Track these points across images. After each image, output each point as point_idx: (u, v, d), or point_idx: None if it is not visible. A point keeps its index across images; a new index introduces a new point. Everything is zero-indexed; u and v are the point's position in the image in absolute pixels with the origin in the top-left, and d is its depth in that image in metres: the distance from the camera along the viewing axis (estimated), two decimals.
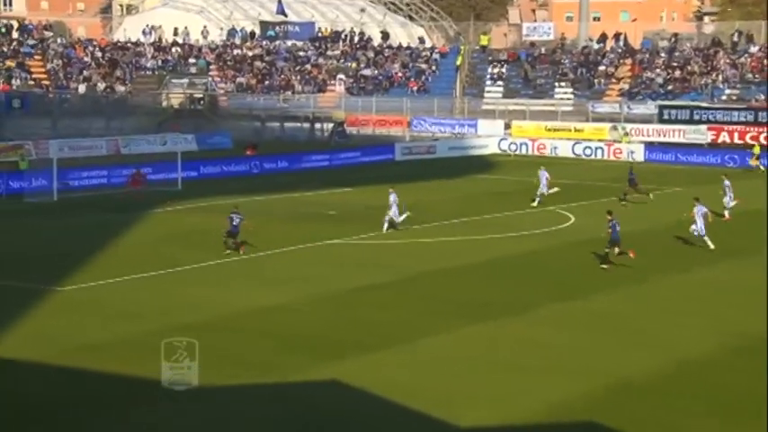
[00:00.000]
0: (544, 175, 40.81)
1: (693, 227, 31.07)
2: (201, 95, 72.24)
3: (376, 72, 77.87)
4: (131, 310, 23.32)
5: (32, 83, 69.64)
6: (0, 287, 25.45)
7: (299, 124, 71.87)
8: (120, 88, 72.89)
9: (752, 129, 58.91)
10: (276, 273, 27.62)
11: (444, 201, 41.93)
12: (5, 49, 72.52)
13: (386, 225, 33.19)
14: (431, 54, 79.45)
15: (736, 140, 58.96)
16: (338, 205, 39.96)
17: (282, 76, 77.77)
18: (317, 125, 72.19)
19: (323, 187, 44.46)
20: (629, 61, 72.17)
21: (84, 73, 73.11)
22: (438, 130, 68.59)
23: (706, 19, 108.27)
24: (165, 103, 72.03)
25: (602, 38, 76.63)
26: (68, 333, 21.44)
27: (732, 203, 36.89)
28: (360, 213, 37.89)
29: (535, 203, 39.89)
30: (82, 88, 71.24)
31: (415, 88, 74.76)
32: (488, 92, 74.13)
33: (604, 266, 28.18)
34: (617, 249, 28.04)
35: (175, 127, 64.64)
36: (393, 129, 69.87)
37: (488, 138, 65.33)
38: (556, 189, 40.53)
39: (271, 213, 37.03)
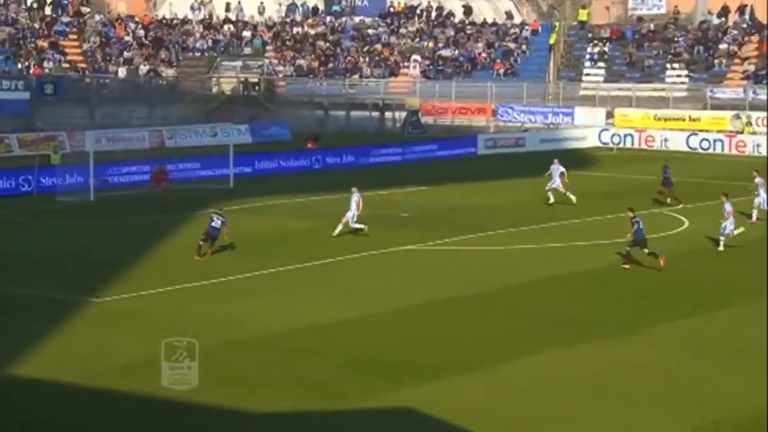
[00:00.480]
0: (558, 170, 40.76)
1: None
2: (257, 80, 72.96)
3: (456, 53, 77.70)
4: (177, 325, 23.38)
5: (67, 66, 71.08)
6: (30, 297, 25.88)
7: (366, 113, 72.27)
8: (166, 72, 73.99)
9: None
10: (342, 283, 27.71)
11: (534, 202, 41.64)
12: (37, 27, 74.04)
13: (339, 227, 32.95)
14: (520, 31, 78.99)
15: None
16: (412, 206, 40.05)
17: (349, 58, 78.12)
18: (388, 114, 72.47)
19: (395, 185, 44.51)
20: (755, 38, 70.78)
21: (125, 54, 74.43)
22: (528, 119, 68.38)
23: None
24: (215, 89, 73.01)
25: (724, 11, 75.10)
26: (105, 351, 21.64)
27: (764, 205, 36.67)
28: (437, 215, 37.91)
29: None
30: (122, 72, 72.56)
31: (502, 71, 74.47)
32: (587, 75, 73.52)
33: (626, 266, 29.23)
34: (646, 250, 29.08)
35: (227, 116, 65.18)
36: (475, 118, 69.87)
37: (587, 128, 65.03)
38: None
39: (334, 215, 37.07)
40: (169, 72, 74.23)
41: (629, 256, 29.39)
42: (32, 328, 23.00)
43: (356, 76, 76.40)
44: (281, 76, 76.67)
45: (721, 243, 32.15)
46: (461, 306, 25.46)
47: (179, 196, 41.83)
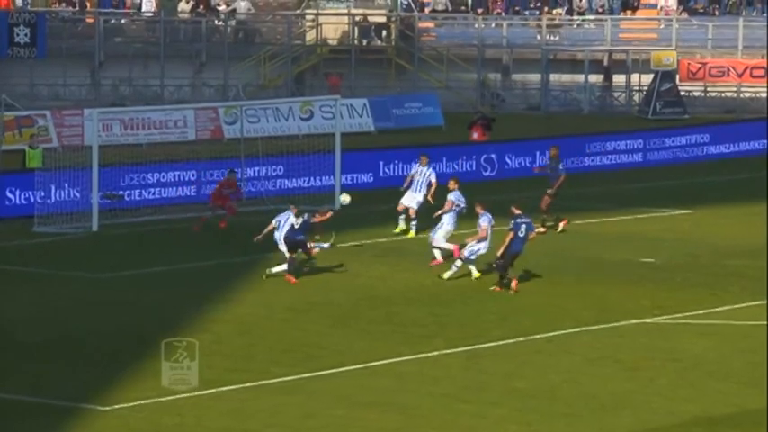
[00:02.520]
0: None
1: None
2: (384, 20, 73.34)
3: None
4: None
5: None
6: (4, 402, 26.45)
7: (580, 77, 72.30)
8: (225, 6, 74.89)
9: None
10: (516, 383, 27.81)
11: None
12: None
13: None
14: None
15: None
16: (664, 244, 40.26)
17: None
18: (619, 79, 72.14)
19: (630, 206, 44.19)
20: None
21: None
22: None
23: None
24: (311, 37, 73.51)
25: None
26: None
27: None
28: (707, 262, 38.14)
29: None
30: (148, 5, 73.70)
31: None
32: None
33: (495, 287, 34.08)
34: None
35: (333, 83, 65.83)
36: None
37: None
38: None
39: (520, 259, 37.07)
40: (233, 6, 75.12)
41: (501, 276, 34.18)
42: None
43: (561, 11, 76.21)
44: (426, 11, 76.94)
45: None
46: None
47: (244, 225, 42.27)
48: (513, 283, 34.30)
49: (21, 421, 24.00)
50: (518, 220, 34.83)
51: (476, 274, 35.81)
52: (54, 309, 33.70)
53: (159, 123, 50.05)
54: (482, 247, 35.24)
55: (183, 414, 25.04)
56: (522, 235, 34.70)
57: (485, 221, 35.28)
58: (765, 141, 58.75)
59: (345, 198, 41.15)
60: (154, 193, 46.54)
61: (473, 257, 35.54)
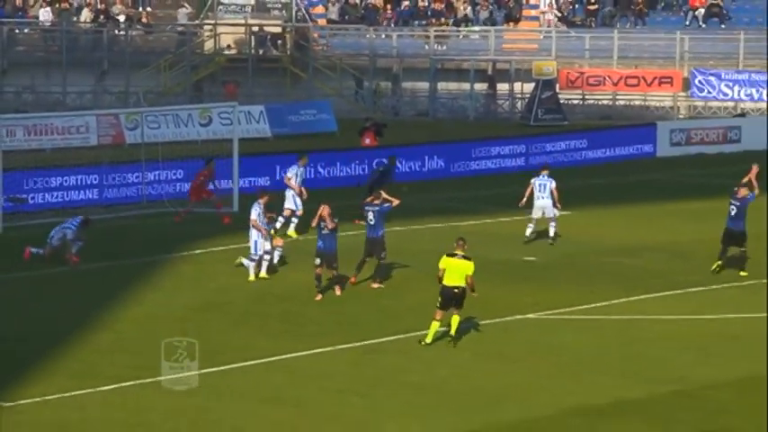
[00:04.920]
0: (546, 186, 41.28)
1: None
2: (280, 30, 73.24)
3: None
4: None
5: None
6: None
7: (466, 85, 72.40)
8: (125, 16, 74.53)
9: None
10: (427, 382, 27.67)
11: (758, 238, 41.25)
12: None
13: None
14: None
15: None
16: (542, 246, 40.37)
17: None
18: (503, 87, 72.40)
19: (512, 208, 44.32)
20: None
21: None
22: (747, 96, 68.23)
23: None
24: (209, 46, 73.30)
25: None
26: None
27: None
28: (585, 261, 38.33)
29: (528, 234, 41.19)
30: (45, 14, 73.16)
31: (701, 12, 74.03)
32: None
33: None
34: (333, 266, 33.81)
35: (230, 91, 65.66)
36: (653, 93, 70.27)
37: None
38: None
39: (405, 255, 37.03)
40: (128, 18, 74.77)
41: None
42: None
43: (448, 23, 76.45)
44: (320, 22, 76.91)
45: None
46: (623, 421, 25.38)
47: (145, 228, 42.26)
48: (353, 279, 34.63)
49: None
50: (366, 207, 35.16)
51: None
52: None
53: (62, 129, 49.70)
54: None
55: (86, 408, 24.91)
56: (372, 222, 34.78)
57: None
58: (646, 147, 59.35)
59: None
60: (57, 197, 45.98)
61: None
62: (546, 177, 40.88)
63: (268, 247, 35.50)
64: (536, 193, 40.51)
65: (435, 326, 29.36)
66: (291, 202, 41.40)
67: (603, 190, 47.49)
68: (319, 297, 33.54)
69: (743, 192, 36.98)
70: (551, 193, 40.41)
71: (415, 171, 52.65)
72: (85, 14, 73.68)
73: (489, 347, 29.76)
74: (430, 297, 31.69)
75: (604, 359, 29.34)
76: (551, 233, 40.25)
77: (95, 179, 46.92)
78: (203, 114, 54.64)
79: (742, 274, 36.55)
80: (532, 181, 40.85)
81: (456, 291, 29.11)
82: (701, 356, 29.36)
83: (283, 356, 29.09)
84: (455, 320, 29.26)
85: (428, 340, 29.37)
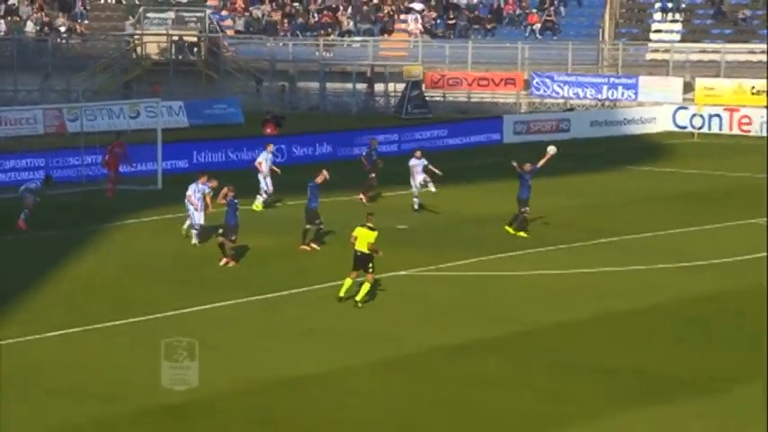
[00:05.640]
0: (419, 166, 41.33)
1: None
2: (195, 39, 72.84)
3: (474, 0, 77.81)
4: (83, 381, 23.42)
5: None
6: None
7: (349, 85, 72.29)
8: (66, 28, 73.77)
9: None
10: (318, 323, 27.83)
11: (581, 209, 41.85)
12: None
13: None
14: None
15: None
16: (412, 216, 40.32)
17: (323, 9, 78.11)
18: (379, 87, 72.45)
19: (388, 185, 44.30)
20: None
21: (10, 1, 74.26)
22: (574, 94, 68.64)
23: None
24: (136, 52, 72.73)
25: None
26: None
27: None
28: (448, 228, 38.15)
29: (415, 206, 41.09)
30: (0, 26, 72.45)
31: (538, 26, 74.51)
32: (657, 32, 73.70)
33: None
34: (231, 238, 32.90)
35: (154, 89, 65.16)
36: (501, 92, 70.45)
37: (656, 107, 65.33)
38: None
39: (300, 227, 36.87)
40: (70, 28, 73.97)
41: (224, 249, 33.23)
42: None
43: (334, 35, 76.36)
44: (228, 33, 76.50)
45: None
46: (483, 355, 25.53)
47: (86, 202, 41.77)
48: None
49: None
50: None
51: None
52: None
53: (14, 121, 49.15)
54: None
55: (33, 352, 24.86)
56: (309, 196, 34.63)
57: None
58: (494, 136, 59.57)
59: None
60: (10, 177, 45.39)
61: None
62: (420, 159, 41.01)
63: (201, 220, 34.83)
64: (414, 173, 40.70)
65: (348, 282, 29.13)
66: (263, 183, 41.19)
67: (461, 171, 47.57)
68: (224, 261, 32.78)
69: (527, 167, 37.42)
70: (424, 169, 40.52)
71: (307, 155, 52.64)
72: (30, 26, 73.19)
73: (369, 299, 29.61)
74: (324, 260, 31.92)
75: (464, 307, 29.47)
76: (416, 206, 40.39)
77: (42, 162, 46.60)
78: (132, 108, 54.11)
79: (520, 234, 37.08)
80: (411, 163, 41.00)
81: (359, 254, 28.89)
82: (541, 304, 29.52)
83: (198, 308, 28.91)
84: (364, 287, 28.97)
85: (341, 294, 29.14)
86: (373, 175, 43.08)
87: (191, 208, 35.19)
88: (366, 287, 28.96)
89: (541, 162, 38.05)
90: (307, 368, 24.44)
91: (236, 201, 33.20)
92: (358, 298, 28.94)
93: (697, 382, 23.83)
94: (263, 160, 41.73)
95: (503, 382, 24.00)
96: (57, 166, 46.34)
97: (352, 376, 24.12)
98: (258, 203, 41.13)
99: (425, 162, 41.17)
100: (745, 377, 24.13)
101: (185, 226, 35.74)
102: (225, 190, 33.31)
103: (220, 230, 33.23)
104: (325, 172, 36.12)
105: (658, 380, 23.92)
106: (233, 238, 32.97)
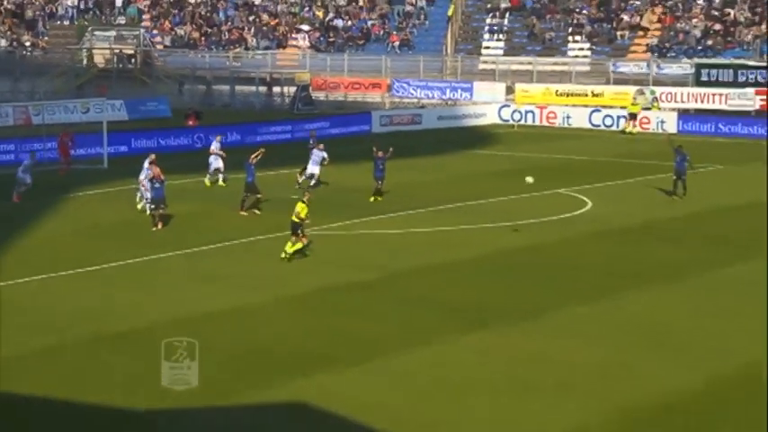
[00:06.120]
0: (317, 158, 40.40)
1: None
2: (132, 52, 72.01)
3: (349, 23, 77.82)
4: (45, 317, 23.32)
5: None
6: None
7: (253, 88, 72.03)
8: (30, 42, 72.53)
9: None
10: (229, 270, 27.74)
11: (431, 182, 42.04)
12: None
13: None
14: (416, 1, 79.43)
15: None
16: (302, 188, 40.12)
17: (233, 28, 77.55)
18: (276, 89, 72.31)
19: (283, 165, 44.33)
20: (658, 9, 72.35)
21: None
22: (425, 95, 69.01)
23: None
24: (86, 62, 71.79)
25: None
26: None
27: None
28: (330, 197, 38.04)
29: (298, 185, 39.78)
30: None
31: (397, 44, 74.79)
32: (486, 48, 74.34)
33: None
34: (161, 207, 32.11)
35: (100, 91, 64.48)
36: (369, 94, 70.47)
37: (486, 105, 65.87)
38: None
39: (218, 198, 36.86)
40: (33, 43, 72.75)
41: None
42: None
43: (241, 48, 75.96)
44: (158, 47, 75.73)
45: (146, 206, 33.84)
46: (354, 294, 25.63)
47: (46, 179, 41.18)
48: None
49: None
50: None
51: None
52: None
53: None
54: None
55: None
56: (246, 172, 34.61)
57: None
58: (364, 127, 59.74)
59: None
60: None
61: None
62: (322, 152, 40.57)
63: (148, 195, 33.96)
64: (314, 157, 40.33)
65: (288, 245, 28.72)
66: (219, 162, 40.55)
67: (342, 153, 47.71)
68: (155, 228, 32.16)
69: (380, 154, 37.69)
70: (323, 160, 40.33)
71: (222, 142, 52.25)
72: (2, 42, 71.94)
73: (269, 251, 29.61)
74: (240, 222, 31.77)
75: (342, 258, 29.43)
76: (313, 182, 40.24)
77: (12, 147, 46.26)
78: (84, 106, 53.28)
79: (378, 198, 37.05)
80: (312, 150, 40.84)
81: (291, 222, 28.68)
82: (400, 255, 29.57)
83: (135, 260, 28.81)
84: (296, 245, 28.69)
85: (282, 255, 28.62)
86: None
87: (141, 189, 34.52)
88: (290, 247, 28.69)
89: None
90: (219, 305, 24.42)
91: (163, 179, 32.52)
92: (283, 253, 28.61)
93: (517, 312, 24.15)
94: (216, 147, 41.10)
95: (370, 309, 24.29)
96: (23, 150, 45.21)
97: (254, 312, 24.13)
98: (207, 180, 40.69)
99: (325, 156, 40.48)
100: (552, 306, 24.52)
101: (140, 205, 34.93)
102: (156, 171, 32.68)
103: (152, 205, 32.71)
104: (261, 150, 36.15)
105: (489, 311, 24.16)
106: (162, 207, 32.43)
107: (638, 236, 32.54)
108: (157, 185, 32.33)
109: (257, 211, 34.86)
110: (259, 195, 35.01)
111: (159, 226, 32.28)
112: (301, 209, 28.68)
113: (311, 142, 42.51)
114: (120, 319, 23.18)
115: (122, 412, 18.16)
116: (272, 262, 28.67)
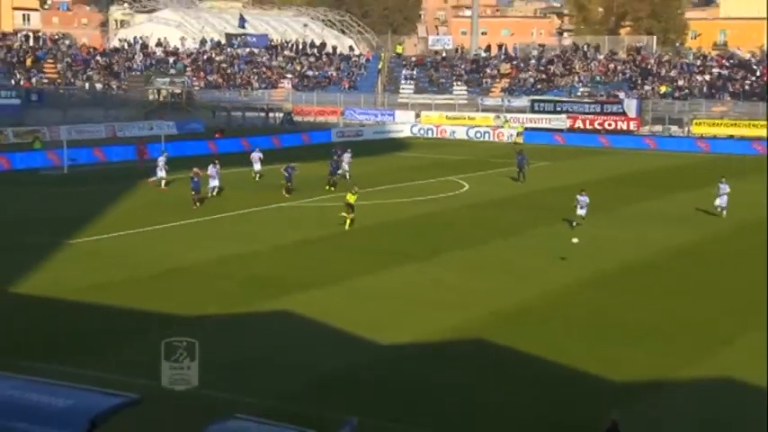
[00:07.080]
0: (347, 159, 37.71)
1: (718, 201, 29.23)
2: (180, 91, 70.69)
3: (316, 73, 77.06)
4: (126, 258, 23.00)
5: (46, 81, 67.29)
6: (23, 241, 24.70)
7: (256, 113, 70.74)
8: (115, 85, 70.89)
9: (599, 117, 60.21)
10: (237, 230, 27.23)
11: (370, 173, 41.76)
12: (26, 54, 69.90)
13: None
14: (359, 59, 78.85)
15: (588, 126, 60.19)
16: (259, 181, 39.10)
17: (243, 76, 76.44)
18: (271, 114, 71.33)
19: (276, 163, 43.70)
20: (508, 65, 72.73)
21: (87, 72, 70.91)
22: (365, 118, 68.27)
23: (565, 34, 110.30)
24: (151, 97, 70.32)
25: (488, 48, 77.15)
26: (79, 276, 20.96)
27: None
28: (304, 182, 37.34)
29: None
30: (85, 85, 69.02)
31: (347, 86, 74.16)
32: (403, 89, 73.87)
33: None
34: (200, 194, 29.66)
35: (160, 115, 63.22)
36: (330, 117, 69.22)
37: (403, 124, 65.24)
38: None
39: (234, 183, 36.44)
40: (118, 85, 71.05)
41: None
42: (25, 262, 22.16)
43: (248, 89, 74.85)
44: (197, 88, 74.40)
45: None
46: (322, 243, 25.37)
47: (127, 171, 40.35)
48: None
49: None
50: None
51: None
52: None
53: (90, 131, 47.51)
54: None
55: None
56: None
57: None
58: (327, 137, 59.04)
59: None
60: (89, 159, 42.92)
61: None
62: (260, 155, 37.46)
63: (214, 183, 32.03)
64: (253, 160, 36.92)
65: (347, 219, 26.76)
66: (164, 172, 35.04)
67: (311, 155, 47.33)
68: (195, 206, 29.64)
69: (335, 157, 36.03)
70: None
71: (236, 147, 51.35)
72: (98, 86, 69.76)
73: (264, 219, 29.07)
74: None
75: (311, 220, 28.76)
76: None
77: (104, 152, 44.70)
78: (149, 125, 52.03)
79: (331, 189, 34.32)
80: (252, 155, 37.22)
81: (347, 203, 26.81)
82: (323, 223, 27.76)
83: (181, 222, 27.94)
84: (348, 222, 26.76)
85: (346, 227, 26.55)
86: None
87: (195, 179, 30.60)
88: (348, 222, 26.58)
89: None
90: (233, 251, 23.90)
91: (200, 174, 30.45)
92: (347, 227, 26.54)
93: (423, 253, 24.03)
94: (161, 161, 35.19)
95: (333, 253, 23.65)
96: (112, 153, 43.95)
97: (257, 255, 23.52)
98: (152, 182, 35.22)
99: (261, 156, 37.20)
100: (442, 250, 24.29)
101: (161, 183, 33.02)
102: (196, 170, 30.59)
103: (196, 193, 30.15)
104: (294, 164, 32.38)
105: (405, 254, 23.93)
106: (200, 194, 30.55)
107: (497, 205, 32.60)
108: (195, 180, 31.02)
109: (287, 194, 32.63)
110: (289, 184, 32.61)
111: (197, 204, 30.98)
112: (350, 197, 26.88)
113: (338, 152, 38.10)
114: (169, 261, 22.80)
115: (175, 317, 17.83)
116: (268, 224, 28.03)
